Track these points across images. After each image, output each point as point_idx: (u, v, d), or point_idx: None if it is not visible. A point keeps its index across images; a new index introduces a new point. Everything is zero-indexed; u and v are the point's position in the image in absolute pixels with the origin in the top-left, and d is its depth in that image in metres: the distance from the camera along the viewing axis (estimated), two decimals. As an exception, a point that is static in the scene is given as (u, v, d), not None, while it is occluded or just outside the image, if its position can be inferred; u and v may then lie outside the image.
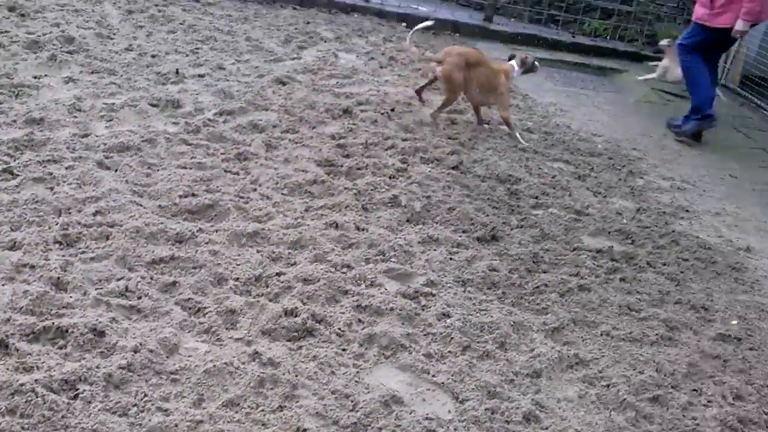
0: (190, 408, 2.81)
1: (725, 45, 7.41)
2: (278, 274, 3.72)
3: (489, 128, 6.32)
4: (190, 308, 3.40)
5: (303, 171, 4.90)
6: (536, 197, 5.18)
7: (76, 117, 5.12)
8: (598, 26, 10.72)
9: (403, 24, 9.66)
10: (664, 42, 8.65)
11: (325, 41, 8.14)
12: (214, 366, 3.01)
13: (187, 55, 6.78)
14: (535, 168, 5.69)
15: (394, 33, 9.08)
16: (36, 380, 2.76)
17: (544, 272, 4.25)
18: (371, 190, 4.80)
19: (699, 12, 7.05)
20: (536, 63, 6.63)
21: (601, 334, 3.77)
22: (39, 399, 2.68)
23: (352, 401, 2.99)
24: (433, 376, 3.23)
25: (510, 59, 6.53)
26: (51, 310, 3.19)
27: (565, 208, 5.11)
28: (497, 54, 9.12)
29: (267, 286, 3.63)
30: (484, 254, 4.31)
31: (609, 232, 4.90)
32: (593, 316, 3.92)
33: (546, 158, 5.98)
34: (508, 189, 5.21)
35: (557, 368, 3.45)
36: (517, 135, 6.21)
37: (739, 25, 6.72)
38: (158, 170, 4.59)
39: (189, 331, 3.25)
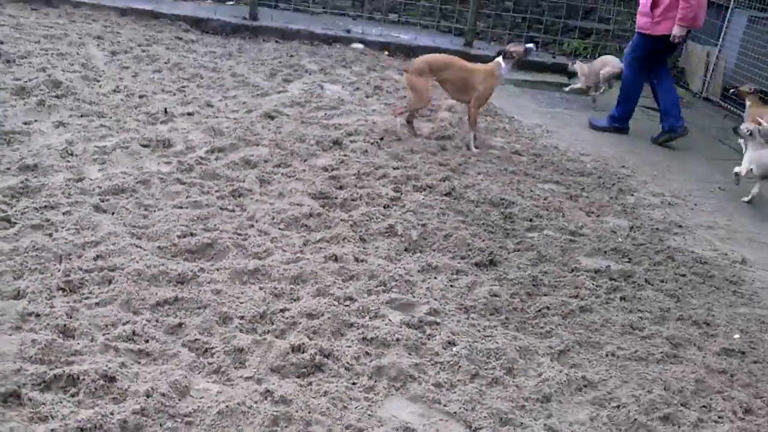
0: (206, 450, 2.81)
1: (669, 51, 7.87)
2: (282, 311, 3.73)
3: (478, 153, 6.38)
4: (197, 349, 3.40)
5: (298, 205, 4.93)
6: (530, 220, 5.23)
7: (69, 161, 5.13)
8: (578, 45, 10.87)
9: (386, 52, 9.76)
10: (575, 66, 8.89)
11: (310, 73, 8.21)
12: (227, 406, 3.01)
13: (174, 94, 6.82)
14: (527, 190, 5.74)
15: (377, 62, 9.17)
16: (52, 430, 2.76)
17: (545, 295, 4.29)
18: (367, 220, 4.83)
19: (641, 22, 7.59)
20: (530, 46, 6.68)
21: (607, 355, 3.80)
22: (55, 450, 2.67)
23: (366, 435, 3.00)
24: (445, 405, 3.24)
25: (497, 56, 6.65)
26: (60, 357, 3.18)
27: (560, 230, 5.17)
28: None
29: (272, 323, 3.64)
30: (483, 280, 4.34)
31: (605, 252, 4.95)
32: (597, 336, 3.95)
33: (537, 180, 6.04)
34: (502, 213, 5.26)
35: (566, 391, 3.47)
36: (472, 138, 6.46)
37: (676, 30, 7.29)
38: (155, 211, 4.60)
39: (199, 372, 3.25)
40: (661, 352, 3.87)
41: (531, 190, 5.77)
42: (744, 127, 6.45)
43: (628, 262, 4.88)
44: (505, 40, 10.99)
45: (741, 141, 6.61)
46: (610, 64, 8.67)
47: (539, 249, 4.81)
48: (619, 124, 7.89)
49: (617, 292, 4.45)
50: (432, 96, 6.59)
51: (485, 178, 5.82)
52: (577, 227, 5.24)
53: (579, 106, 8.59)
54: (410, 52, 9.78)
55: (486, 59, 10.04)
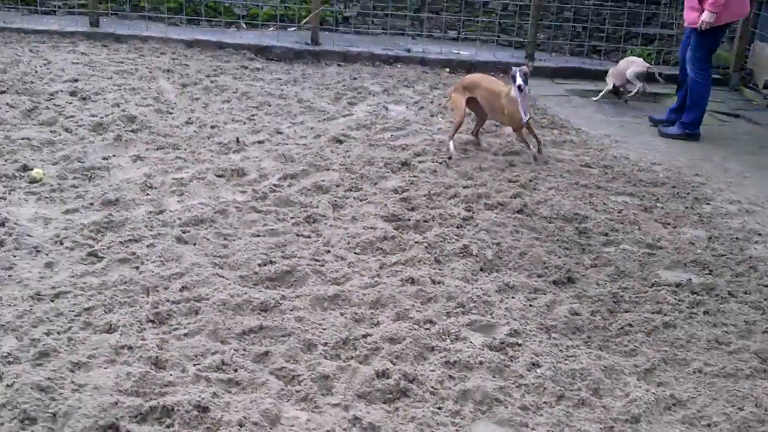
0: (301, 479, 2.87)
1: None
2: (364, 336, 3.78)
3: (547, 168, 6.34)
4: (284, 377, 3.47)
5: (372, 228, 4.99)
6: (606, 234, 5.18)
7: (149, 194, 5.30)
8: (642, 52, 10.71)
9: (447, 70, 9.80)
10: None
11: (374, 95, 8.30)
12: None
13: (244, 123, 6.98)
14: (600, 204, 5.69)
15: (439, 80, 9.21)
16: (151, 462, 2.84)
17: (627, 312, 4.23)
18: (441, 241, 4.85)
19: (691, 17, 7.42)
20: (523, 69, 6.20)
21: (694, 372, 3.73)
22: (157, 481, 2.75)
23: (456, 460, 3.01)
24: (532, 429, 3.23)
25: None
26: (154, 389, 3.29)
27: (637, 243, 5.10)
28: (544, 90, 9.21)
29: (355, 349, 3.68)
30: (562, 298, 4.31)
31: (685, 264, 4.86)
32: (683, 353, 3.88)
33: (609, 192, 5.97)
34: (577, 228, 5.22)
35: (655, 411, 3.42)
36: (530, 148, 6.59)
37: (705, 16, 7.18)
38: (234, 240, 4.71)
39: (287, 400, 3.31)
40: (750, 367, 3.78)
41: (604, 204, 5.71)
42: None
43: (709, 274, 4.78)
44: (566, 50, 10.93)
45: None
46: (635, 63, 8.64)
47: (617, 264, 4.75)
48: (690, 129, 7.72)
49: (700, 306, 4.36)
50: (466, 112, 6.69)
51: (557, 193, 5.78)
52: (654, 240, 5.17)
53: (647, 114, 8.45)
54: (471, 68, 9.79)
55: (546, 71, 10.03)
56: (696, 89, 7.61)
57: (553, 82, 9.75)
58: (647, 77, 8.72)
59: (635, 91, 8.64)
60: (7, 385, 3.25)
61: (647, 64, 8.63)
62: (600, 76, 9.81)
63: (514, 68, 6.22)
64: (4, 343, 3.58)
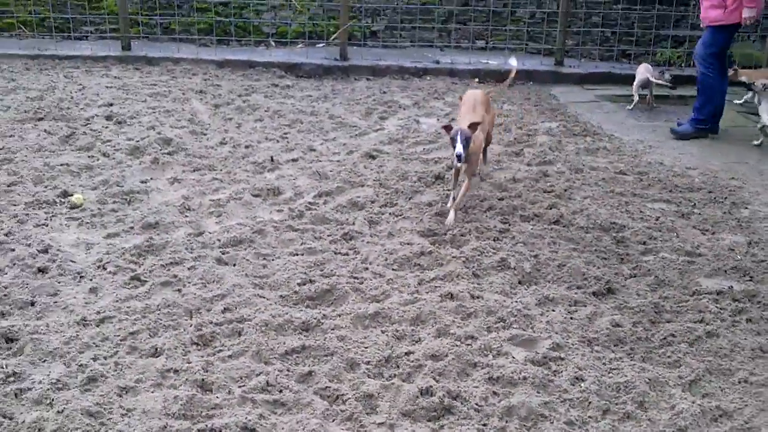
0: (349, 499, 2.89)
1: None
2: (407, 354, 3.80)
3: (582, 176, 6.32)
4: (329, 396, 3.49)
5: (408, 244, 5.01)
6: (644, 243, 5.14)
7: (187, 216, 5.37)
8: (672, 55, 10.64)
9: (476, 80, 9.81)
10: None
11: (404, 108, 8.34)
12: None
13: (277, 141, 7.06)
14: (636, 212, 5.65)
15: (469, 90, 9.22)
16: (202, 486, 2.88)
17: (668, 322, 4.20)
18: (478, 255, 4.86)
19: (713, 15, 7.50)
20: (464, 131, 5.14)
21: (740, 382, 3.69)
22: (209, 504, 2.79)
23: (503, 478, 3.01)
24: (579, 443, 3.22)
25: None
26: (202, 412, 3.33)
27: (676, 251, 5.06)
28: (574, 97, 9.18)
29: (398, 367, 3.70)
30: (603, 309, 4.29)
31: (725, 271, 4.81)
32: (727, 363, 3.84)
33: (645, 200, 5.94)
34: (614, 237, 5.20)
35: (702, 423, 3.38)
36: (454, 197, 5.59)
37: (746, 13, 7.26)
38: (273, 260, 4.76)
39: (333, 420, 3.34)
40: (798, 376, 3.73)
41: (641, 211, 5.67)
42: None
43: (750, 280, 4.73)
44: (595, 55, 10.88)
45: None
46: (639, 71, 8.64)
47: (656, 273, 4.72)
48: (703, 126, 7.74)
49: (743, 314, 4.31)
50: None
51: (592, 202, 5.76)
52: (693, 247, 5.12)
53: (679, 116, 8.37)
54: (500, 77, 9.80)
55: (576, 77, 9.99)
56: (707, 85, 7.64)
57: (582, 89, 9.71)
58: (663, 82, 8.68)
59: (636, 100, 8.66)
60: (58, 412, 3.32)
61: (648, 73, 8.57)
62: (630, 80, 9.75)
63: (454, 128, 5.19)
64: (53, 369, 3.65)
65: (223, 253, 4.82)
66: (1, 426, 3.24)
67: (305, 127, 7.51)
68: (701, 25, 7.83)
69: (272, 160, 6.48)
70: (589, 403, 3.47)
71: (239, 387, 3.52)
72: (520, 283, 4.59)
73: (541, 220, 5.42)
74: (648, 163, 6.86)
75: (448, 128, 5.28)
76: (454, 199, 5.49)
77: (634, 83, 8.64)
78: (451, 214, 5.34)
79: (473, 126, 5.25)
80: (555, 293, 4.43)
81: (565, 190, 5.97)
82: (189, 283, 4.45)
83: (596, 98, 9.25)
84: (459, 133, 5.11)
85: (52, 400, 3.40)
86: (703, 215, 5.71)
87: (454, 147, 5.10)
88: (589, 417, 3.39)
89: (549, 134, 7.45)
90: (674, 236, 5.29)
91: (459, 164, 5.30)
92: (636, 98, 8.71)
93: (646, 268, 4.79)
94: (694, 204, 5.92)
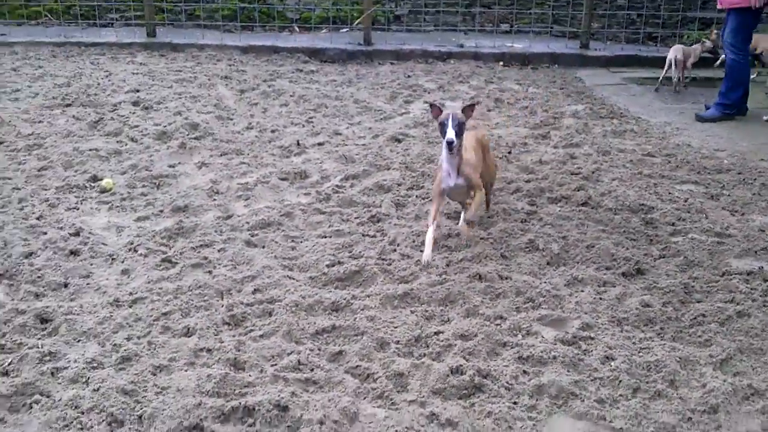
0: (382, 475, 2.92)
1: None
2: (436, 333, 3.81)
3: (609, 158, 6.29)
4: (359, 375, 3.52)
5: (436, 226, 5.00)
6: (673, 224, 5.11)
7: (215, 200, 5.42)
8: (699, 37, 10.51)
9: (500, 63, 9.77)
10: None
11: (429, 92, 8.33)
12: (396, 431, 3.10)
13: (303, 126, 7.08)
14: (665, 193, 5.62)
15: (494, 74, 9.18)
16: (237, 461, 2.92)
17: (699, 302, 4.18)
18: (506, 236, 4.86)
19: None
20: (457, 114, 4.37)
21: (772, 361, 3.67)
22: (244, 479, 2.83)
23: (535, 454, 3.02)
24: (610, 422, 3.22)
25: None
26: (235, 390, 3.37)
27: (705, 232, 5.02)
28: (600, 79, 9.12)
29: (428, 346, 3.72)
30: (633, 290, 4.28)
31: (756, 252, 4.77)
32: (759, 342, 3.81)
33: (674, 181, 5.89)
34: (643, 219, 5.17)
35: (733, 401, 3.37)
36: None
37: None
38: (301, 242, 4.79)
39: (364, 398, 3.36)
40: (831, 355, 3.70)
41: (669, 193, 5.63)
42: None
43: (782, 261, 4.69)
44: (621, 38, 10.79)
45: None
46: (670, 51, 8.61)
47: (686, 254, 4.69)
48: (729, 110, 7.70)
49: (775, 294, 4.28)
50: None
51: (620, 184, 5.73)
52: (722, 228, 5.08)
53: (706, 98, 8.29)
54: (525, 60, 9.76)
55: (602, 60, 9.91)
56: (736, 69, 7.58)
57: (609, 71, 9.64)
58: (694, 61, 8.61)
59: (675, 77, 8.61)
60: (94, 390, 3.37)
61: (676, 52, 8.50)
62: (656, 63, 9.67)
63: (444, 112, 4.45)
64: (88, 348, 3.71)
65: (252, 236, 4.85)
66: (39, 403, 3.30)
67: (330, 111, 7.53)
68: (718, 6, 7.72)
69: (298, 144, 6.51)
70: (620, 381, 3.46)
71: (271, 366, 3.55)
72: (548, 264, 4.58)
73: (568, 201, 5.40)
74: (676, 145, 6.80)
75: (434, 109, 4.47)
76: (429, 249, 4.56)
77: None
78: (463, 228, 4.63)
79: (469, 109, 4.45)
80: (584, 274, 4.42)
81: (593, 172, 5.94)
82: (219, 264, 4.50)
83: (623, 81, 9.18)
84: (450, 117, 4.32)
85: (88, 378, 3.46)
86: (732, 196, 5.66)
87: (444, 133, 4.29)
88: (620, 395, 3.39)
89: (575, 117, 7.41)
90: (703, 217, 5.25)
91: (451, 153, 4.37)
92: (669, 78, 8.65)
93: (675, 249, 4.76)
94: (723, 185, 5.87)
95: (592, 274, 4.43)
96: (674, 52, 8.50)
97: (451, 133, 4.27)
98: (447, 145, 4.31)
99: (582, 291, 4.26)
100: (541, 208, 5.27)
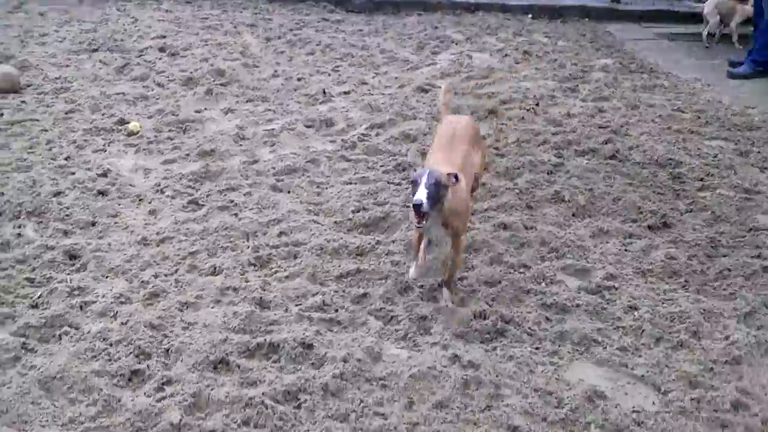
0: (404, 411, 2.96)
1: None
2: (460, 279, 3.83)
3: (638, 113, 6.22)
4: (383, 317, 3.56)
5: (462, 175, 4.99)
6: (701, 179, 5.06)
7: (241, 145, 5.43)
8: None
9: (529, 16, 9.62)
10: None
11: (456, 43, 8.23)
12: (419, 371, 3.14)
13: (329, 74, 7.04)
14: (693, 149, 5.55)
15: (522, 27, 9.06)
16: (262, 393, 2.98)
17: (724, 256, 4.15)
18: (532, 187, 4.84)
19: None
20: (434, 174, 3.33)
21: (797, 315, 3.66)
22: (269, 411, 2.89)
23: (556, 398, 3.05)
24: (632, 369, 3.24)
25: None
26: (260, 327, 3.42)
27: (734, 188, 4.97)
28: (632, 34, 8.97)
29: (453, 292, 3.73)
30: (658, 243, 4.26)
31: (784, 209, 4.73)
32: (784, 296, 3.80)
33: (703, 137, 5.82)
34: (671, 173, 5.12)
35: (756, 353, 3.37)
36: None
37: None
38: (327, 188, 4.81)
39: (387, 339, 3.40)
40: None
41: (698, 149, 5.57)
42: None
43: (811, 218, 4.64)
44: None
45: None
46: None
47: (713, 209, 4.65)
48: (762, 67, 7.51)
49: (802, 250, 4.25)
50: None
51: (649, 138, 5.66)
52: (751, 185, 5.02)
53: (738, 55, 8.12)
54: (554, 13, 9.61)
55: (633, 15, 9.73)
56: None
57: (640, 26, 9.47)
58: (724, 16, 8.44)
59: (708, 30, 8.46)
60: (122, 323, 3.44)
61: (711, 7, 8.32)
62: (688, 18, 9.50)
63: (415, 173, 3.41)
64: (116, 284, 3.77)
65: (277, 181, 4.87)
66: (68, 335, 3.37)
67: (356, 60, 7.47)
68: None
69: (324, 92, 6.49)
70: (643, 331, 3.47)
71: (296, 306, 3.60)
72: (574, 215, 4.56)
73: (596, 154, 5.36)
74: (706, 101, 6.70)
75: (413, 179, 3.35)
76: (416, 266, 3.84)
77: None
78: (446, 294, 3.67)
79: (451, 176, 3.38)
80: (609, 226, 4.40)
81: (621, 126, 5.88)
82: (245, 208, 4.53)
83: (654, 36, 9.03)
84: (427, 174, 3.26)
85: (116, 312, 3.52)
86: (762, 153, 5.58)
87: (414, 193, 3.23)
88: (642, 344, 3.40)
89: (605, 71, 7.31)
90: (732, 173, 5.19)
91: (416, 222, 3.29)
92: (706, 33, 8.50)
93: (702, 204, 4.72)
94: (753, 142, 5.78)
95: (618, 226, 4.41)
96: (708, 7, 8.33)
97: (421, 193, 3.16)
98: (414, 210, 3.22)
99: (607, 242, 4.25)
100: (568, 161, 5.24)
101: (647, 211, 4.56)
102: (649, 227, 4.42)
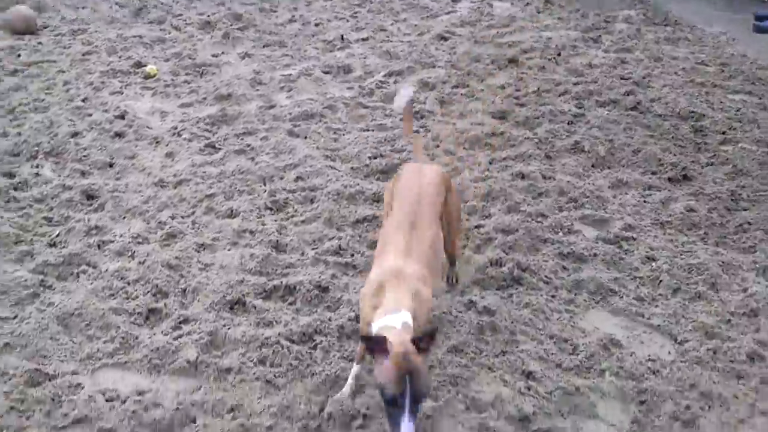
0: (420, 356, 2.96)
1: None
2: (477, 227, 3.81)
3: (661, 65, 6.11)
4: (399, 263, 3.54)
5: (480, 124, 4.94)
6: (723, 133, 4.98)
7: (258, 90, 5.39)
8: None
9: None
10: None
11: (477, -8, 8.08)
12: (434, 316, 3.14)
13: (347, 20, 6.95)
14: (716, 102, 5.45)
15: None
16: (279, 333, 3.00)
17: (745, 210, 4.10)
18: (551, 137, 4.78)
19: None
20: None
21: (817, 270, 3.62)
22: (285, 350, 2.91)
23: (571, 345, 3.05)
24: (648, 318, 3.23)
25: None
26: (276, 270, 3.43)
27: (756, 142, 4.89)
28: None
29: (468, 239, 3.72)
30: (678, 195, 4.21)
31: (808, 164, 4.65)
32: (805, 251, 3.76)
33: (726, 91, 5.71)
34: (693, 126, 5.04)
35: (775, 306, 3.35)
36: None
37: None
38: (344, 134, 4.77)
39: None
40: None
41: (721, 102, 5.47)
42: None
43: (834, 174, 4.56)
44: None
45: None
46: None
47: (735, 162, 4.58)
48: None
49: (824, 205, 4.19)
50: None
51: (671, 91, 5.57)
52: (774, 139, 4.95)
53: (765, 10, 7.94)
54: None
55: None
56: None
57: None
58: None
59: None
60: (139, 263, 3.45)
61: None
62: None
63: (390, 365, 2.28)
64: (133, 225, 3.78)
65: (294, 126, 4.84)
66: (86, 273, 3.39)
67: (375, 7, 7.37)
68: None
69: (342, 38, 6.41)
70: (660, 281, 3.45)
71: (312, 249, 3.60)
72: (593, 166, 4.51)
73: (617, 105, 5.28)
74: (730, 54, 6.56)
75: (376, 345, 2.27)
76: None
77: None
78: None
79: (427, 340, 2.31)
80: (629, 177, 4.35)
81: (644, 78, 5.78)
82: (262, 152, 4.50)
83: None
84: (408, 389, 2.19)
85: (134, 252, 3.54)
86: (787, 108, 5.48)
87: (395, 425, 2.21)
88: (660, 294, 3.39)
89: (628, 22, 7.17)
90: (755, 127, 5.10)
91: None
92: None
93: (724, 157, 4.65)
94: (778, 97, 5.68)
95: (638, 177, 4.36)
96: None
97: (407, 429, 2.18)
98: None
99: (626, 193, 4.21)
100: (589, 111, 5.16)
101: (668, 163, 4.50)
102: (669, 179, 4.37)
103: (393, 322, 2.34)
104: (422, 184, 2.85)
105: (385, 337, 2.22)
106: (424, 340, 2.26)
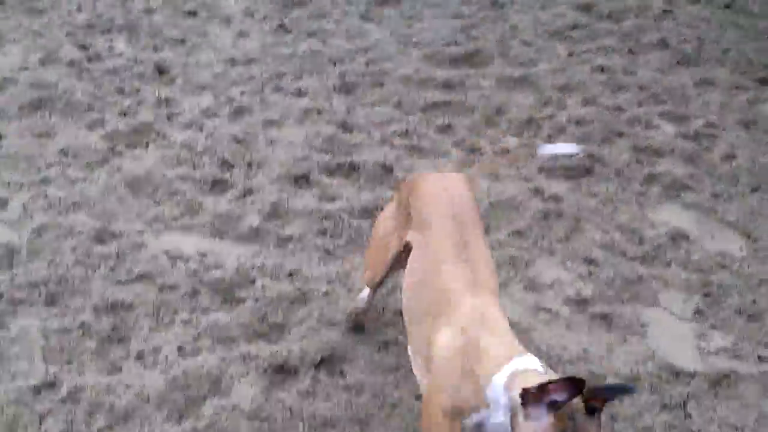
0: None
1: None
2: (550, 117, 3.69)
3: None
4: (466, 148, 3.48)
5: (562, 15, 4.74)
6: (823, 35, 4.66)
7: (333, -26, 5.26)
8: None
9: None
10: None
11: None
12: (499, 200, 3.09)
13: None
14: (820, 4, 5.09)
15: None
16: (340, 208, 3.00)
17: (840, 114, 3.87)
18: (636, 32, 4.55)
19: None
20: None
21: None
22: (345, 223, 2.91)
23: (638, 236, 2.96)
24: (721, 215, 3.10)
25: None
26: (342, 149, 3.40)
27: None
28: None
29: (539, 128, 3.62)
30: (766, 96, 3.98)
31: None
32: None
33: (832, -6, 5.31)
34: (790, 27, 4.73)
35: None
36: None
37: None
38: (419, 21, 4.63)
39: (469, 166, 3.34)
40: None
41: (825, 4, 5.10)
42: None
43: None
44: None
45: None
46: None
47: (832, 66, 4.30)
48: None
49: None
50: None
51: (770, -10, 5.21)
52: None
53: None
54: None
55: None
56: None
57: None
58: None
59: None
60: (207, 135, 3.47)
61: None
62: None
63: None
64: (202, 99, 3.79)
65: (367, 11, 4.72)
66: (155, 142, 3.43)
67: None
68: None
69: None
70: (738, 179, 3.30)
71: (378, 131, 3.55)
72: (678, 63, 4.29)
73: (710, 3, 4.97)
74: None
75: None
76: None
77: None
78: None
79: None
80: (716, 76, 4.13)
81: (741, -24, 5.41)
82: (334, 35, 4.42)
83: None
84: (566, 420, 1.54)
85: (202, 124, 3.56)
86: None
87: None
88: (737, 192, 3.24)
89: None
90: None
91: None
92: None
93: (822, 60, 4.37)
94: None
95: (725, 77, 4.14)
96: None
97: None
98: None
99: (711, 92, 4.00)
100: (678, 7, 4.88)
101: (759, 63, 4.25)
102: (759, 80, 4.13)
103: (529, 364, 1.67)
104: (453, 196, 2.19)
105: (549, 382, 1.51)
106: (597, 397, 1.54)
